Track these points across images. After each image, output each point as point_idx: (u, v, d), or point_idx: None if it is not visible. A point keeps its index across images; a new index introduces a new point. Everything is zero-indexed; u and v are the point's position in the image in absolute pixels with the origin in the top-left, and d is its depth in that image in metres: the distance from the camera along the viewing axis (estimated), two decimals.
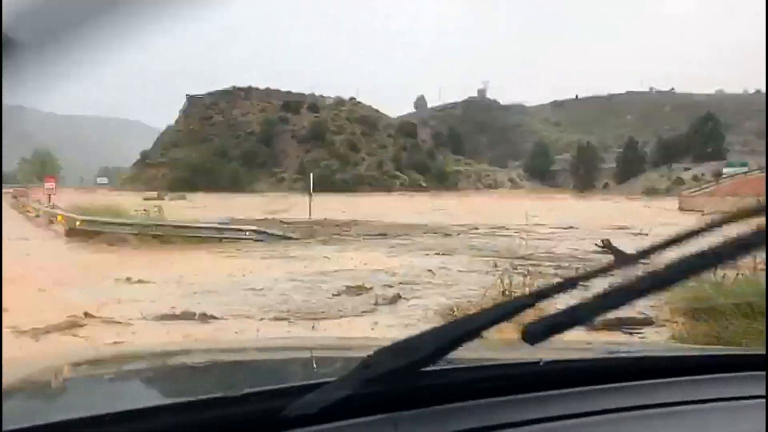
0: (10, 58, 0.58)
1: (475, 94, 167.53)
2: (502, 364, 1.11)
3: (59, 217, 20.45)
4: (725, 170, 62.95)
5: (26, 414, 1.00)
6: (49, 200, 28.90)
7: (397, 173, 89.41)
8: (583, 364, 1.15)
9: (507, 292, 7.43)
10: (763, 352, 1.17)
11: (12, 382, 1.26)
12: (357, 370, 0.88)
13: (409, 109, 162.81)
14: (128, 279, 10.74)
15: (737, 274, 7.95)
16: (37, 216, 26.43)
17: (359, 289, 9.54)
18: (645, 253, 0.90)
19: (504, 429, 0.88)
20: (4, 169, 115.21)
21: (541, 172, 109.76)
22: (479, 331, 0.89)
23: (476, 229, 22.72)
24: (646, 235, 20.94)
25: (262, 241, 17.44)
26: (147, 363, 1.56)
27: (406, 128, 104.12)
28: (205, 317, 7.66)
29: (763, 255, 8.01)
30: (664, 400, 1.02)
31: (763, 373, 1.05)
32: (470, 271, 11.88)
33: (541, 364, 1.00)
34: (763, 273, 7.84)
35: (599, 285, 0.93)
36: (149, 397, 1.16)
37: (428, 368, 0.89)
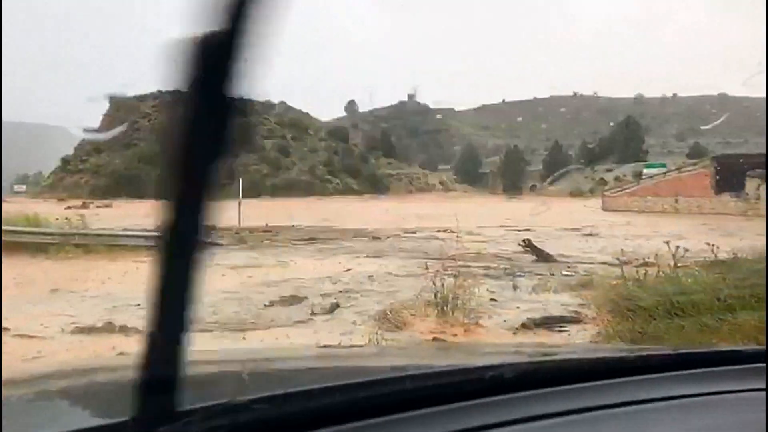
0: None
1: (405, 98, 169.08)
2: (448, 371, 1.11)
3: None
4: (645, 171, 65.47)
5: None
6: None
7: (330, 177, 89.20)
8: (583, 362, 1.16)
9: (440, 294, 7.52)
10: (762, 346, 1.21)
11: None
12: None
13: (339, 113, 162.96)
14: (51, 290, 10.32)
15: (658, 272, 8.28)
16: None
17: (293, 299, 9.32)
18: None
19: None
20: None
21: (470, 175, 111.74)
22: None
23: (411, 232, 22.91)
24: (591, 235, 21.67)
25: None
26: (84, 379, 1.49)
27: (337, 132, 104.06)
28: (126, 329, 7.36)
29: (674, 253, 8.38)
30: (667, 393, 1.04)
31: (763, 365, 1.08)
32: (403, 275, 11.95)
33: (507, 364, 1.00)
34: (683, 270, 8.20)
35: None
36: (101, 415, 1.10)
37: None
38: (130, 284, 10.94)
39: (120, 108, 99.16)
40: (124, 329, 7.40)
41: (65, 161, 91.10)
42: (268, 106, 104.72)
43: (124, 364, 2.18)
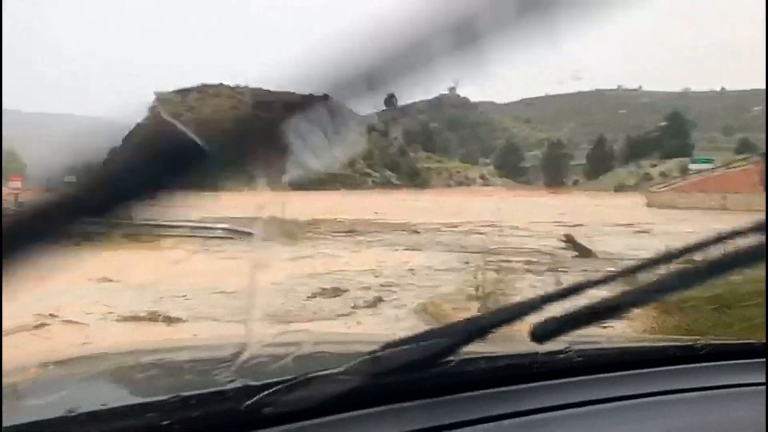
0: None
1: (446, 92, 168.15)
2: (506, 355, 1.11)
3: None
4: (691, 166, 64.04)
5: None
6: (16, 200, 28.32)
7: (369, 171, 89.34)
8: (591, 354, 1.16)
9: (481, 288, 7.46)
10: (763, 340, 1.19)
11: None
12: (361, 363, 0.88)
13: (379, 106, 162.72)
14: (99, 279, 10.55)
15: None
16: None
17: (335, 291, 9.32)
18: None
19: (511, 418, 0.89)
20: None
21: (511, 169, 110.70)
22: (487, 330, 0.91)
23: (452, 226, 22.74)
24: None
25: (231, 239, 17.29)
26: (134, 359, 1.51)
27: (376, 125, 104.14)
28: (169, 320, 7.48)
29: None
30: (667, 387, 1.03)
31: (763, 360, 1.06)
32: (443, 269, 11.88)
33: (539, 354, 1.00)
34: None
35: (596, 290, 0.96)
36: (140, 395, 1.12)
37: (438, 362, 0.90)
38: (176, 275, 11.13)
39: (164, 102, 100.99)
40: (168, 320, 7.50)
41: (113, 152, 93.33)
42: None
43: (169, 346, 2.22)
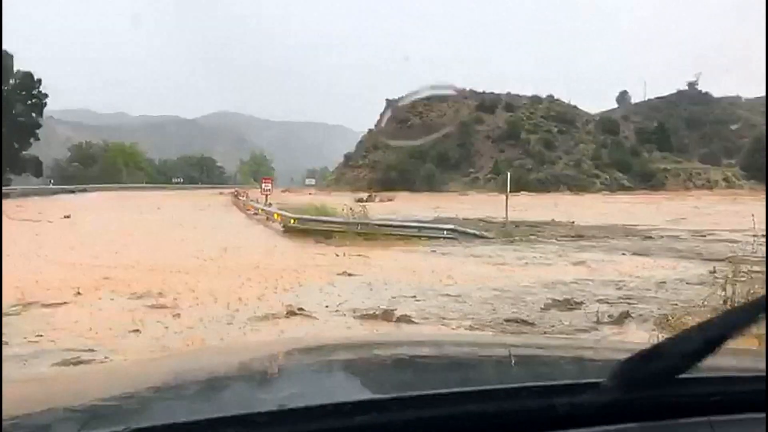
0: None
1: (684, 87, 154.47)
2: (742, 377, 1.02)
3: (276, 215, 22.75)
4: None
5: (248, 400, 1.04)
6: (266, 200, 31.52)
7: (597, 172, 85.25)
8: None
9: (729, 302, 6.69)
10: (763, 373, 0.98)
11: (232, 368, 1.32)
12: (618, 373, 0.85)
13: (610, 104, 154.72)
14: (348, 274, 11.22)
15: None
16: (256, 214, 29.09)
17: (569, 303, 8.60)
18: None
19: None
20: (227, 169, 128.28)
21: (761, 171, 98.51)
22: (725, 338, 0.84)
23: (699, 234, 20.34)
24: None
25: (455, 239, 17.56)
26: (384, 352, 1.55)
27: (606, 124, 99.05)
28: (403, 319, 7.56)
29: None
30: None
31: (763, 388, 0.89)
32: (684, 278, 10.89)
33: None
34: None
35: None
36: (396, 389, 1.14)
37: (682, 376, 0.84)
38: (404, 274, 11.52)
39: (395, 107, 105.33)
40: (402, 318, 7.64)
41: (347, 157, 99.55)
42: (536, 100, 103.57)
43: (400, 341, 2.26)
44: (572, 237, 19.20)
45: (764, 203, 40.24)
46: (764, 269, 8.27)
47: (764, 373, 0.96)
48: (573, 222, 24.08)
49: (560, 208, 32.98)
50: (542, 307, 8.40)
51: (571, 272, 11.82)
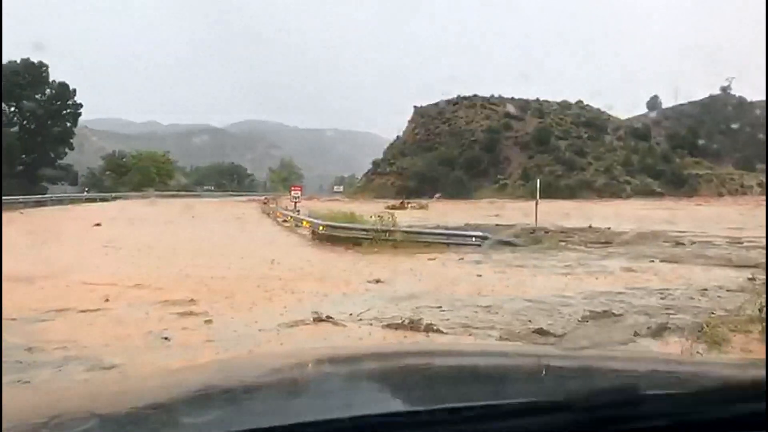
0: None
1: (718, 92, 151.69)
2: None
3: (305, 223, 23.00)
4: None
5: (277, 411, 1.02)
6: (295, 207, 31.71)
7: (628, 178, 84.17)
8: None
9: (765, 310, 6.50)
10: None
11: (259, 379, 1.31)
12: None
13: (641, 109, 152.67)
14: (377, 281, 11.18)
15: None
16: (285, 221, 29.27)
17: (606, 315, 8.30)
18: None
19: None
20: (256, 176, 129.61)
21: None
22: None
23: (736, 242, 19.78)
24: None
25: (478, 245, 17.46)
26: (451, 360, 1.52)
27: (637, 130, 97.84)
28: (430, 328, 7.42)
29: None
30: None
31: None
32: (719, 286, 10.62)
33: None
34: None
35: None
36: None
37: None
38: (432, 283, 11.39)
39: (423, 114, 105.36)
40: (429, 328, 7.45)
41: (375, 164, 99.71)
42: (565, 106, 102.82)
43: (427, 350, 2.23)
44: (603, 243, 18.95)
45: None
46: None
47: (764, 390, 0.94)
48: (608, 228, 23.73)
49: (591, 213, 32.54)
50: (579, 319, 8.14)
51: (608, 282, 11.60)
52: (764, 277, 8.57)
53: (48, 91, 62.54)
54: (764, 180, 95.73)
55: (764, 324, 6.54)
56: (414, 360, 1.60)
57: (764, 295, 6.77)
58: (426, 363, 1.56)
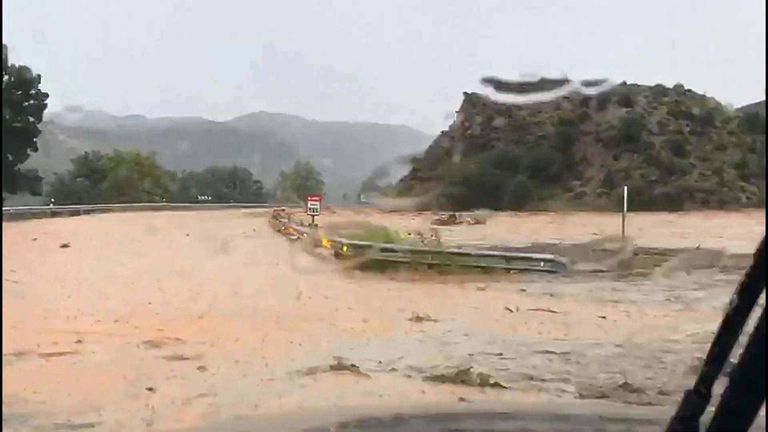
0: None
1: None
2: None
3: (325, 241, 22.61)
4: None
5: None
6: (312, 221, 31.56)
7: (743, 184, 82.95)
8: None
9: None
10: None
11: None
12: None
13: (759, 96, 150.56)
14: (417, 318, 11.17)
15: None
16: (297, 239, 28.97)
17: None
18: None
19: None
20: (266, 183, 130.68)
21: None
22: None
23: None
24: None
25: (557, 272, 17.28)
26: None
27: (755, 123, 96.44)
28: (485, 381, 7.36)
29: None
30: None
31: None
32: None
33: None
34: None
35: None
36: None
37: None
38: (488, 321, 11.31)
39: (476, 103, 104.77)
40: (485, 381, 7.43)
41: (414, 167, 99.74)
42: (660, 92, 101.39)
43: (482, 412, 2.17)
44: (706, 267, 18.61)
45: None
46: None
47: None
48: (723, 249, 23.25)
49: (697, 230, 32.00)
50: (686, 370, 7.71)
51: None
52: None
53: (6, 78, 61.90)
54: None
55: None
56: (464, 424, 1.56)
57: None
58: (481, 430, 1.52)
